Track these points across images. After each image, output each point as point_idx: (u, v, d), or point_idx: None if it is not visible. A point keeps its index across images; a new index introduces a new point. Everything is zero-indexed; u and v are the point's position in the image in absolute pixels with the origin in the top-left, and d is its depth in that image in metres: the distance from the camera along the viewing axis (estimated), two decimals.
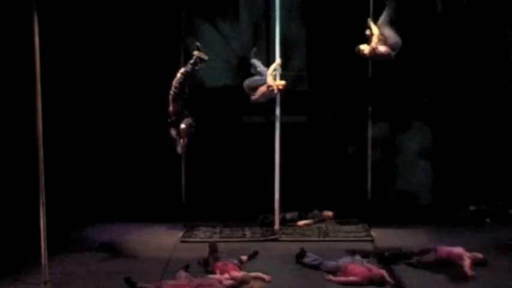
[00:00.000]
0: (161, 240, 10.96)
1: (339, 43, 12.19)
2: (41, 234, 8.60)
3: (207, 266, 9.33)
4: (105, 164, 12.31)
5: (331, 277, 8.95)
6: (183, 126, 10.31)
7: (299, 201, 11.91)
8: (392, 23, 9.94)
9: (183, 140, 10.43)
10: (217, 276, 8.84)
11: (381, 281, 8.67)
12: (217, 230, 11.46)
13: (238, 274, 8.83)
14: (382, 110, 12.10)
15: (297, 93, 12.25)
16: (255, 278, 8.83)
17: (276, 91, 10.72)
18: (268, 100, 10.93)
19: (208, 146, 12.18)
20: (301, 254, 9.60)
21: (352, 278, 8.77)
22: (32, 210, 8.91)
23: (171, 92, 10.28)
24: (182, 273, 8.78)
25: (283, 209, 11.25)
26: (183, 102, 10.35)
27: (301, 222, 11.68)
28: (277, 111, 10.89)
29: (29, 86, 8.63)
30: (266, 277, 8.89)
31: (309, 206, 11.98)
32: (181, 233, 11.23)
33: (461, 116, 12.35)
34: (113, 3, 11.98)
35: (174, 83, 10.30)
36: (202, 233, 11.28)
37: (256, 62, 11.01)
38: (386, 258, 9.62)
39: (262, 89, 10.72)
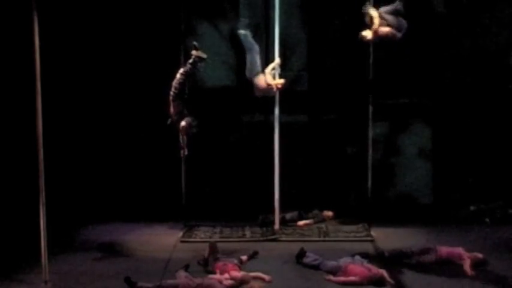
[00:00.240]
0: (161, 240, 10.96)
1: (339, 43, 12.20)
2: (41, 234, 8.60)
3: (207, 266, 9.33)
4: (105, 164, 12.31)
5: (331, 277, 8.95)
6: (183, 124, 10.30)
7: (299, 201, 11.91)
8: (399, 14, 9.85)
9: (183, 138, 10.42)
10: (217, 276, 8.83)
11: (381, 281, 8.66)
12: (217, 230, 11.46)
13: (238, 274, 8.82)
14: (382, 110, 12.10)
15: (297, 93, 12.26)
16: (255, 278, 8.83)
17: (275, 89, 10.70)
18: (267, 96, 10.88)
19: (208, 146, 12.18)
20: (301, 254, 9.60)
21: (352, 278, 8.77)
22: (32, 210, 8.91)
23: (171, 93, 10.26)
24: (182, 273, 8.78)
25: (283, 209, 11.24)
26: (183, 102, 10.34)
27: (301, 222, 11.68)
28: (277, 111, 10.89)
29: (29, 86, 8.62)
30: (266, 277, 8.89)
31: (309, 206, 11.98)
32: (181, 233, 11.23)
33: (461, 116, 12.35)
34: (112, 4, 11.99)
35: (174, 83, 10.28)
36: (202, 233, 11.28)
37: (243, 35, 10.67)
38: (387, 258, 9.62)
39: (261, 83, 10.65)
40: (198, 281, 8.49)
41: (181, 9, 11.62)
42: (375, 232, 11.08)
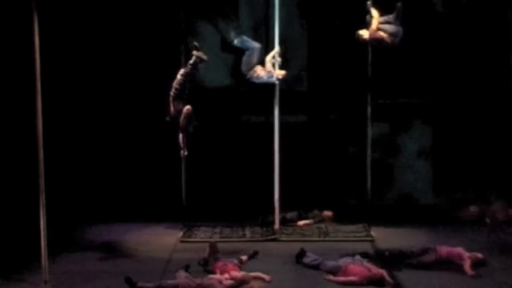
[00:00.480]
0: (161, 240, 10.96)
1: (338, 43, 12.20)
2: (41, 234, 8.60)
3: (207, 266, 9.32)
4: (105, 164, 12.32)
5: (331, 277, 8.95)
6: (186, 108, 10.27)
7: (299, 201, 11.90)
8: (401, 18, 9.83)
9: (183, 137, 10.42)
10: (217, 276, 8.83)
11: (381, 280, 8.66)
12: (217, 230, 11.46)
13: (238, 274, 8.82)
14: (382, 110, 12.10)
15: (297, 93, 12.26)
16: (255, 278, 8.83)
17: (275, 80, 10.63)
18: (268, 96, 10.86)
19: (208, 146, 12.19)
20: (301, 254, 9.59)
21: (351, 278, 8.77)
22: (32, 210, 8.91)
23: (171, 93, 10.26)
24: (182, 273, 8.78)
25: (283, 209, 11.24)
26: (183, 102, 10.35)
27: (301, 222, 11.68)
28: (277, 111, 10.88)
29: (29, 86, 8.62)
30: (266, 277, 8.88)
31: (309, 206, 11.98)
32: (181, 233, 11.22)
33: (461, 116, 12.36)
34: (113, 4, 11.99)
35: (174, 84, 10.27)
36: (202, 233, 11.28)
37: (239, 43, 10.66)
38: (387, 258, 9.62)
39: (262, 73, 10.61)
40: (198, 281, 8.49)
41: (181, 9, 11.61)
42: (375, 232, 11.08)
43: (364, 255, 9.50)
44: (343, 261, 9.13)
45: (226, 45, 11.91)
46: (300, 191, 12.09)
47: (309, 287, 8.86)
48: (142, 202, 12.15)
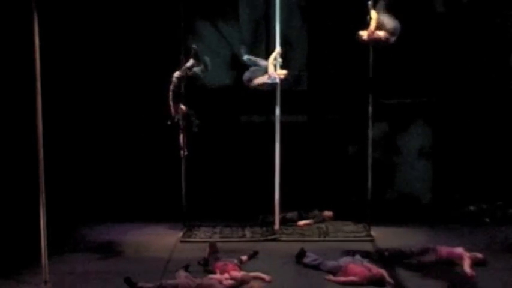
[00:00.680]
0: (161, 240, 10.96)
1: (339, 43, 12.19)
2: (41, 234, 8.60)
3: (207, 266, 9.33)
4: (105, 164, 12.32)
5: (331, 277, 8.95)
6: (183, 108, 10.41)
7: (299, 201, 11.90)
8: (390, 9, 9.82)
9: (183, 138, 10.46)
10: (217, 276, 8.83)
11: (381, 280, 8.66)
12: (217, 230, 11.46)
13: (238, 274, 8.82)
14: (382, 110, 12.10)
15: (296, 93, 12.26)
16: (255, 278, 8.83)
17: (277, 80, 10.69)
18: (268, 96, 10.89)
19: (208, 146, 12.18)
20: (301, 254, 9.60)
21: (352, 278, 8.77)
22: (32, 210, 8.91)
23: (170, 97, 10.36)
24: (182, 273, 8.78)
25: (283, 209, 11.24)
26: (183, 103, 10.42)
27: (301, 222, 11.68)
28: (277, 111, 10.89)
29: (29, 86, 8.62)
30: (266, 277, 8.89)
31: (309, 206, 11.98)
32: (181, 233, 11.22)
33: (462, 116, 12.36)
34: (112, 4, 11.99)
35: (171, 87, 10.41)
36: (202, 233, 11.28)
37: (248, 60, 10.96)
38: (387, 258, 9.62)
39: (263, 78, 10.68)
40: (198, 281, 8.50)
41: (181, 9, 11.61)
42: (375, 232, 11.08)
43: (364, 255, 9.50)
44: (343, 261, 9.14)
45: (237, 61, 11.97)
46: (300, 191, 12.08)
47: (309, 287, 8.87)
48: (142, 202, 12.15)
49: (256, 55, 11.24)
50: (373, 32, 9.77)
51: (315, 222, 11.74)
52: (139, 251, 10.42)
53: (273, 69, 10.70)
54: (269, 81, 10.65)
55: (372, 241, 10.72)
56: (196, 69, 10.74)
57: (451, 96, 12.35)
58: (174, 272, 8.93)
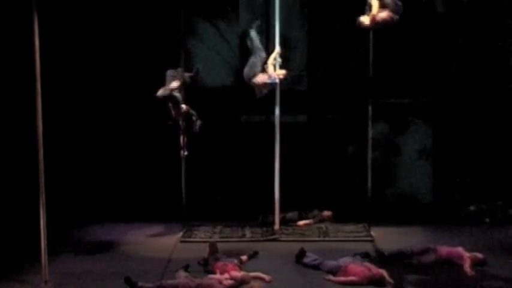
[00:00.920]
0: (161, 240, 10.96)
1: (339, 43, 12.19)
2: (41, 234, 8.60)
3: (207, 266, 9.32)
4: (105, 164, 12.31)
5: (331, 277, 8.95)
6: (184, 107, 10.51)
7: (299, 201, 11.90)
8: None
9: (183, 138, 10.50)
10: (217, 276, 8.83)
11: (381, 280, 8.66)
12: (217, 230, 11.45)
13: (238, 274, 8.82)
14: (382, 110, 12.10)
15: (296, 93, 12.25)
16: (255, 278, 8.83)
17: (277, 80, 10.68)
18: (268, 96, 10.88)
19: (208, 146, 12.18)
20: (301, 254, 9.59)
21: (352, 278, 8.77)
22: (32, 210, 8.91)
23: (170, 104, 10.43)
24: (182, 273, 8.79)
25: (283, 209, 11.24)
26: (183, 104, 10.46)
27: (301, 222, 11.68)
28: (277, 111, 10.88)
29: (29, 86, 8.63)
30: (266, 277, 8.89)
31: (309, 206, 11.97)
32: (181, 233, 11.22)
33: (461, 116, 12.35)
34: (112, 4, 11.98)
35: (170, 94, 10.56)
36: (202, 233, 11.27)
37: (254, 36, 10.81)
38: (387, 258, 9.62)
39: (263, 77, 10.66)
40: (198, 281, 8.50)
41: (181, 9, 11.61)
42: (375, 232, 11.08)
43: (364, 255, 9.50)
44: (343, 261, 9.13)
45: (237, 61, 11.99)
46: (300, 191, 12.08)
47: (309, 287, 8.86)
48: (142, 202, 12.14)
49: None
50: (375, 16, 9.57)
51: (315, 222, 11.73)
52: (139, 251, 10.41)
53: (272, 69, 10.69)
54: (269, 81, 10.65)
55: (372, 241, 10.71)
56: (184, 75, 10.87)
57: (451, 96, 12.35)
58: (174, 272, 8.93)
